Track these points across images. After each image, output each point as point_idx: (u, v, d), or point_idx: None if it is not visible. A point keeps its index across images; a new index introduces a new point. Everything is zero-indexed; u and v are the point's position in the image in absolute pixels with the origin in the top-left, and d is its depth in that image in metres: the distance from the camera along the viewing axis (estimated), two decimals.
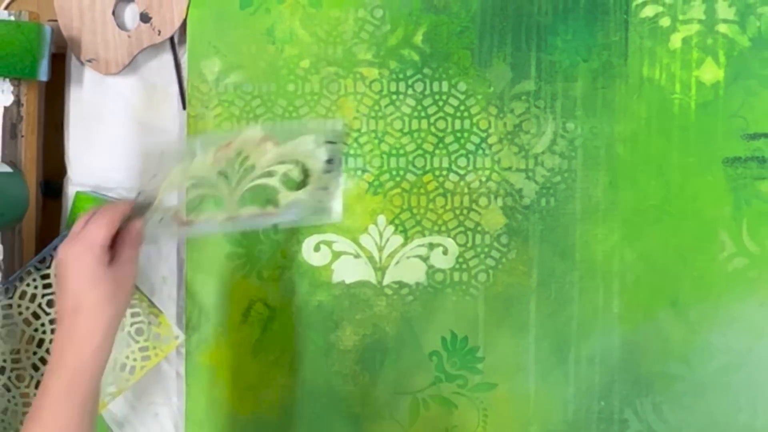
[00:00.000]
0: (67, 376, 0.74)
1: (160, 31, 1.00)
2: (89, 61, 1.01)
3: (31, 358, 0.95)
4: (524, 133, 0.98)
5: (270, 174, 0.92)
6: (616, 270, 0.98)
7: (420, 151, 0.99)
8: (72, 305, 0.75)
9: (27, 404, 0.94)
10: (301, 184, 0.95)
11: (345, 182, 1.00)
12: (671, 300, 0.98)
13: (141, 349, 0.96)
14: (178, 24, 0.99)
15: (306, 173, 0.96)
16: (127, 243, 0.81)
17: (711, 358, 0.98)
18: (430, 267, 0.99)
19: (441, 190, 0.99)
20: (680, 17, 0.97)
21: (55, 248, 0.93)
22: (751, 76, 0.97)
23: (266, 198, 0.93)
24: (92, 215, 0.79)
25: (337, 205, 1.01)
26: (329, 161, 0.96)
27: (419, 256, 0.99)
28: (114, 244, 0.79)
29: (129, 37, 1.00)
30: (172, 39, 1.01)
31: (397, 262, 0.99)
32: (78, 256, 0.76)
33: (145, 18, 0.99)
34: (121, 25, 1.01)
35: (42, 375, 0.90)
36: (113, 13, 1.00)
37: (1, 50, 0.96)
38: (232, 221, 0.91)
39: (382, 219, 0.99)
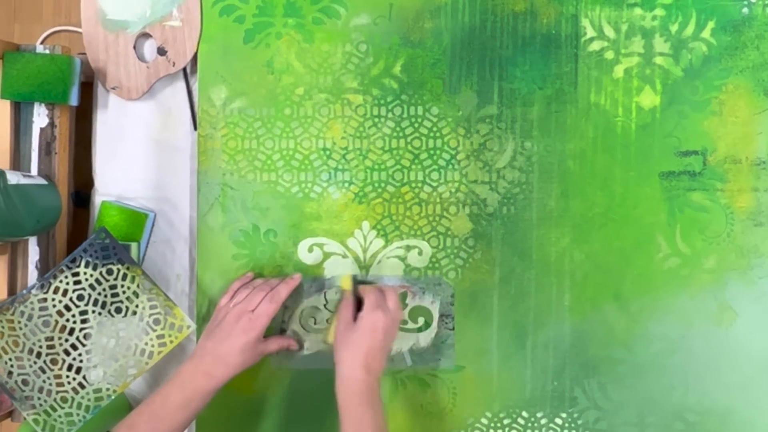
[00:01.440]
0: (191, 394, 0.87)
1: (174, 63, 1.02)
2: (113, 88, 1.03)
3: (63, 345, 0.96)
4: (488, 151, 1.02)
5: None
6: (567, 268, 1.03)
7: (398, 167, 1.02)
8: (221, 353, 0.89)
9: (60, 384, 0.95)
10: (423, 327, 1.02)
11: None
12: (615, 294, 1.02)
13: (158, 337, 0.98)
14: (190, 56, 1.02)
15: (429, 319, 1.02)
16: (276, 339, 0.97)
17: (649, 344, 1.02)
18: (408, 266, 1.02)
19: (416, 200, 1.02)
20: (622, 51, 1.02)
21: (84, 250, 0.97)
22: (684, 102, 1.02)
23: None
24: (264, 293, 0.93)
25: (453, 355, 1.02)
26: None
27: (398, 257, 1.02)
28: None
29: (148, 68, 1.03)
30: (184, 69, 1.04)
31: (379, 262, 1.02)
32: (247, 330, 0.90)
33: (161, 51, 1.02)
34: (141, 58, 1.04)
35: (72, 359, 0.96)
36: (134, 47, 1.02)
37: (38, 79, 1.00)
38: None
39: (366, 224, 1.02)
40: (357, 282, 0.99)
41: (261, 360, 1.00)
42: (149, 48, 1.05)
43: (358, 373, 0.88)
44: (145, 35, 1.03)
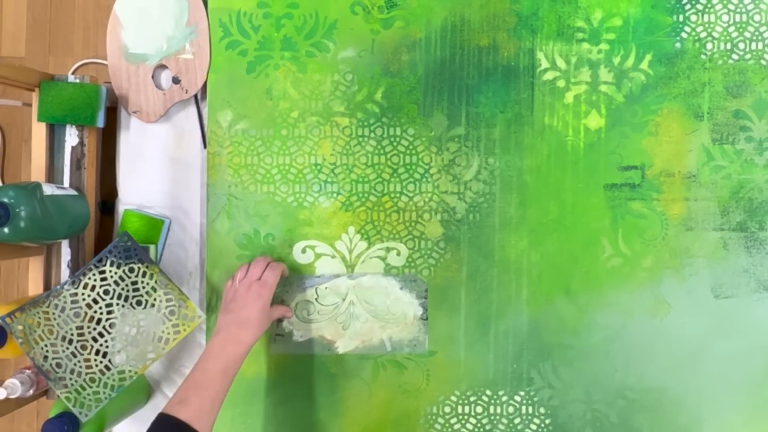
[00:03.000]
0: (226, 361, 0.87)
1: (187, 91, 1.04)
2: (134, 112, 1.05)
3: (92, 333, 0.96)
4: (457, 166, 1.03)
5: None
6: (524, 267, 1.04)
7: (380, 179, 1.04)
8: (243, 319, 0.91)
9: (89, 366, 0.95)
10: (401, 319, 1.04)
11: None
12: (565, 289, 1.03)
13: (173, 326, 0.98)
14: (200, 85, 1.04)
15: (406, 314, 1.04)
16: (279, 308, 1.00)
17: (595, 332, 1.03)
18: (387, 265, 1.04)
19: (395, 208, 1.04)
20: (572, 80, 1.03)
21: (109, 251, 0.97)
22: (625, 124, 1.03)
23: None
24: (265, 263, 0.97)
25: (425, 341, 1.04)
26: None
27: (379, 257, 1.04)
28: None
29: (164, 94, 1.04)
30: (196, 96, 1.05)
31: (363, 261, 1.04)
32: (260, 293, 0.93)
33: (176, 80, 1.04)
34: (158, 86, 1.05)
35: (99, 345, 0.96)
36: (152, 77, 1.04)
37: (69, 104, 1.01)
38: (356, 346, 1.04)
39: (351, 229, 1.04)
40: None
41: (260, 348, 1.03)
42: (165, 77, 1.05)
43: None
44: (161, 66, 1.04)
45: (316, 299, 1.04)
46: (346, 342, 1.04)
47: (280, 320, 1.04)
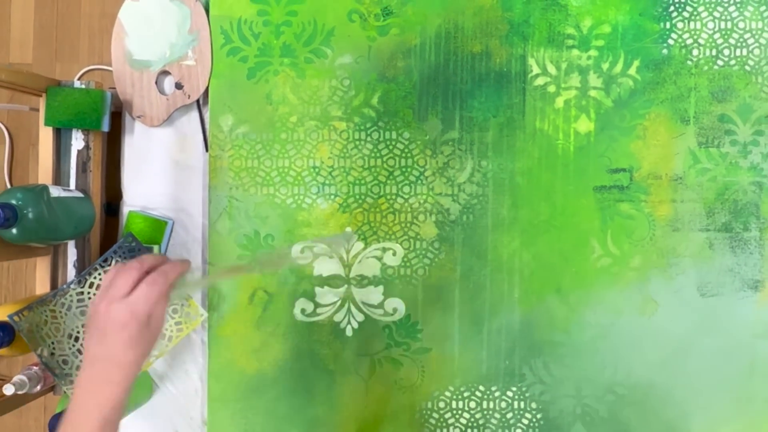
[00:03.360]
0: (100, 415, 0.66)
1: (189, 96, 1.04)
2: (138, 117, 1.05)
3: None
4: (451, 169, 1.04)
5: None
6: (516, 267, 1.03)
7: (376, 182, 1.04)
8: (107, 355, 0.67)
9: None
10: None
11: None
12: (556, 288, 1.03)
13: (176, 324, 0.99)
14: (202, 90, 1.04)
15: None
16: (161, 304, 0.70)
17: (585, 330, 1.03)
18: (384, 264, 1.04)
19: (391, 210, 1.04)
20: (563, 85, 1.03)
21: (114, 251, 0.98)
22: (614, 128, 1.03)
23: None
24: (140, 270, 0.68)
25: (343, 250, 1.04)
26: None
27: (375, 257, 1.04)
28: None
29: (167, 99, 1.05)
30: (198, 101, 1.06)
31: (360, 261, 1.05)
32: (125, 323, 0.66)
33: (179, 86, 1.04)
34: (161, 91, 1.05)
35: None
36: (156, 82, 1.05)
37: (75, 109, 1.01)
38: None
39: (349, 230, 1.05)
40: None
41: (261, 345, 1.03)
42: (168, 83, 1.06)
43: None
44: (165, 72, 1.05)
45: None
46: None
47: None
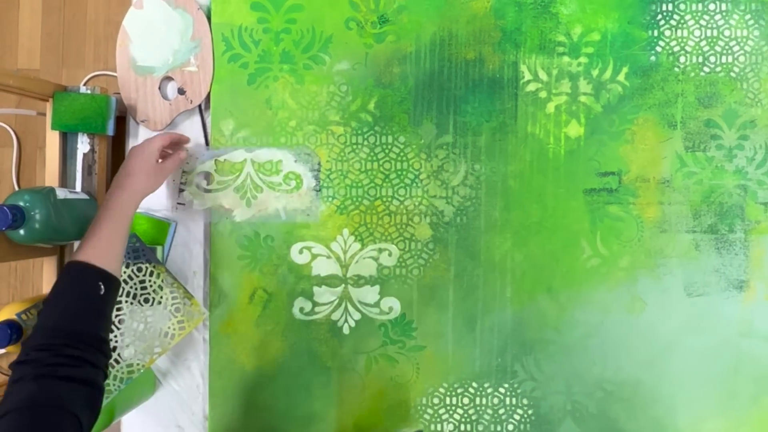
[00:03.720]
0: (116, 207, 0.87)
1: (191, 101, 1.05)
2: (142, 121, 1.06)
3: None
4: (445, 172, 1.04)
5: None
6: (508, 267, 1.04)
7: (372, 184, 1.04)
8: (128, 172, 0.91)
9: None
10: (295, 189, 1.04)
11: (321, 199, 1.05)
12: (547, 288, 1.04)
13: (179, 322, 0.99)
14: (204, 95, 1.05)
15: (299, 184, 1.04)
16: (172, 158, 0.98)
17: (575, 328, 1.03)
18: (380, 265, 1.04)
19: (387, 211, 1.04)
20: (553, 91, 1.04)
21: None
22: (603, 132, 1.03)
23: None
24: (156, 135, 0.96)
25: (317, 210, 1.04)
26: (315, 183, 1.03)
27: (372, 257, 1.04)
28: (164, 157, 0.98)
29: (170, 104, 1.05)
30: (200, 106, 1.06)
31: (356, 261, 1.05)
32: (143, 150, 0.93)
33: (181, 91, 1.05)
34: (164, 97, 1.06)
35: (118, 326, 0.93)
36: (159, 88, 1.05)
37: (81, 114, 1.02)
38: (253, 215, 1.04)
39: (346, 231, 1.05)
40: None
41: (261, 342, 1.03)
42: (171, 88, 1.06)
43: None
44: (168, 78, 1.06)
45: (215, 170, 1.05)
46: (243, 211, 1.05)
47: (181, 190, 1.05)
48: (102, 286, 0.81)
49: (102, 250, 0.83)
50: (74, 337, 0.76)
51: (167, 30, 1.05)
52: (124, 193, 0.89)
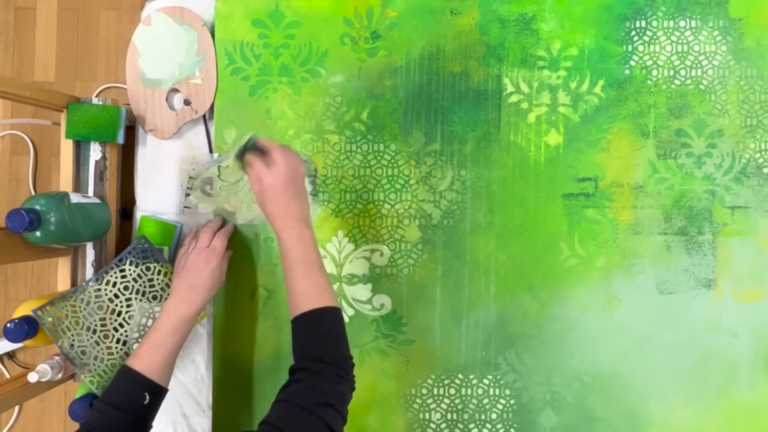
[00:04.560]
0: (177, 322, 0.88)
1: (197, 111, 1.05)
2: (151, 130, 1.06)
3: (113, 324, 0.97)
4: (433, 178, 1.05)
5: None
6: (492, 266, 1.05)
7: (365, 189, 1.05)
8: (193, 283, 0.92)
9: (110, 353, 0.95)
10: None
11: (318, 202, 1.04)
12: (528, 286, 1.04)
13: None
14: (208, 106, 1.05)
15: None
16: (224, 260, 0.98)
17: (554, 323, 1.04)
18: (372, 264, 1.05)
19: (379, 215, 1.05)
20: (534, 102, 1.04)
21: (128, 252, 0.98)
22: (580, 141, 1.04)
23: None
24: (213, 231, 0.97)
25: (313, 213, 1.04)
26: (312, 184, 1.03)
27: (365, 257, 1.05)
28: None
29: (176, 114, 1.06)
30: (204, 116, 1.06)
31: (350, 261, 1.05)
32: (209, 259, 0.94)
33: (187, 102, 1.06)
34: (171, 107, 1.06)
35: (119, 334, 0.96)
36: (166, 99, 1.06)
37: (93, 124, 1.02)
38: (253, 218, 1.04)
39: (340, 233, 1.05)
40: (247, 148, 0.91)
41: (261, 338, 1.03)
42: (177, 100, 1.07)
43: (286, 223, 0.88)
44: (174, 90, 1.06)
45: (218, 176, 1.05)
46: (244, 213, 1.05)
47: (187, 194, 1.06)
48: (147, 396, 0.84)
49: (159, 366, 0.86)
50: None
51: (174, 45, 1.06)
52: (192, 309, 0.91)
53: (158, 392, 0.86)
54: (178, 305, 0.90)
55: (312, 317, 0.83)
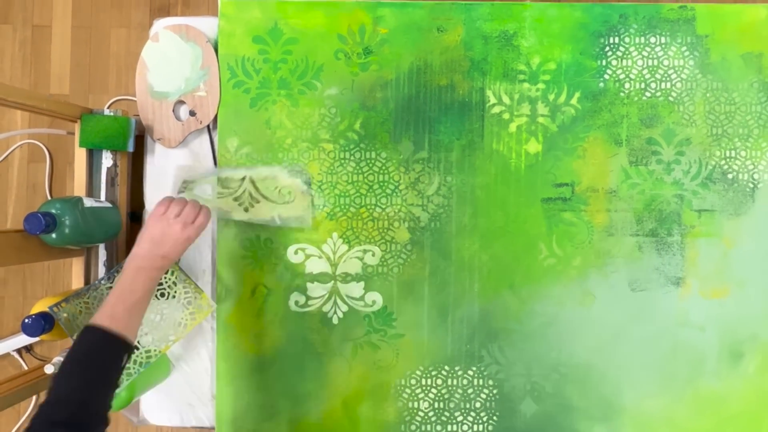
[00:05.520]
0: (151, 285, 0.85)
1: (201, 121, 1.07)
2: (158, 139, 1.07)
3: None
4: (421, 183, 1.06)
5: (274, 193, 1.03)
6: (476, 266, 1.05)
7: (358, 194, 1.06)
8: (169, 255, 0.87)
9: None
10: (289, 200, 1.02)
11: (314, 208, 1.05)
12: (510, 284, 1.05)
13: (190, 313, 0.99)
14: (212, 117, 1.06)
15: (293, 196, 1.03)
16: (195, 228, 0.90)
17: (534, 318, 1.05)
18: (365, 264, 1.06)
19: (371, 217, 1.06)
20: (515, 113, 1.05)
21: None
22: (558, 149, 1.05)
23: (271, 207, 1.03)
24: (197, 208, 0.90)
25: (309, 218, 1.05)
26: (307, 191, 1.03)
27: (357, 257, 1.06)
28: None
29: (182, 125, 1.07)
30: (208, 126, 1.07)
31: (344, 261, 1.06)
32: (190, 238, 0.88)
33: (192, 113, 1.07)
34: (178, 118, 1.07)
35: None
36: (173, 110, 1.07)
37: (105, 133, 1.03)
38: (249, 218, 1.03)
39: (335, 234, 1.06)
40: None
41: (262, 331, 1.04)
42: (183, 111, 1.08)
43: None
44: (180, 102, 1.07)
45: (217, 183, 1.05)
46: (240, 214, 1.04)
47: (180, 192, 1.05)
48: (125, 358, 0.79)
49: (133, 327, 0.82)
50: (85, 409, 0.72)
51: (180, 60, 1.07)
52: (160, 274, 0.87)
53: (131, 350, 0.81)
54: (151, 271, 0.85)
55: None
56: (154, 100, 1.08)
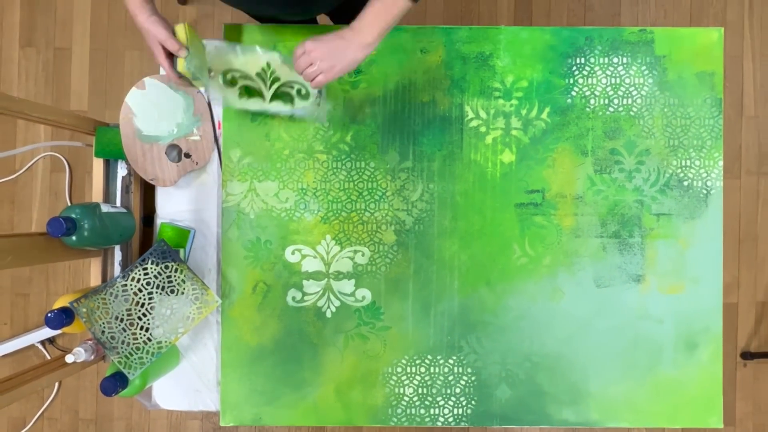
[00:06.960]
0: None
1: (197, 163, 1.04)
2: (152, 179, 1.03)
3: (137, 313, 0.96)
4: (406, 190, 1.06)
5: (290, 86, 0.96)
6: (456, 265, 1.06)
7: (349, 200, 1.06)
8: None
9: (135, 339, 0.94)
10: (306, 97, 0.97)
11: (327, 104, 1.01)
12: (486, 281, 1.06)
13: (197, 308, 0.98)
14: (209, 158, 1.03)
15: (308, 92, 0.97)
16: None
17: (508, 312, 1.06)
18: (355, 263, 1.06)
19: (361, 221, 1.06)
20: (491, 126, 1.06)
21: (150, 253, 0.97)
22: (530, 159, 1.05)
23: (287, 99, 0.97)
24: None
25: (324, 114, 1.01)
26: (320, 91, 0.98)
27: (349, 257, 1.06)
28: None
29: (177, 166, 1.03)
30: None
31: (337, 260, 1.06)
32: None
33: (187, 155, 1.04)
34: (172, 160, 1.03)
35: (143, 323, 0.94)
36: (166, 153, 1.02)
37: (119, 145, 1.02)
38: (262, 107, 0.96)
39: (328, 237, 1.06)
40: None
41: (262, 324, 1.02)
42: (178, 153, 1.03)
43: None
44: (173, 145, 1.03)
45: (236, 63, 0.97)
46: (258, 104, 0.97)
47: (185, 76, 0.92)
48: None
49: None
50: None
51: (171, 107, 1.03)
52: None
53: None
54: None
55: None
56: (143, 143, 1.03)
